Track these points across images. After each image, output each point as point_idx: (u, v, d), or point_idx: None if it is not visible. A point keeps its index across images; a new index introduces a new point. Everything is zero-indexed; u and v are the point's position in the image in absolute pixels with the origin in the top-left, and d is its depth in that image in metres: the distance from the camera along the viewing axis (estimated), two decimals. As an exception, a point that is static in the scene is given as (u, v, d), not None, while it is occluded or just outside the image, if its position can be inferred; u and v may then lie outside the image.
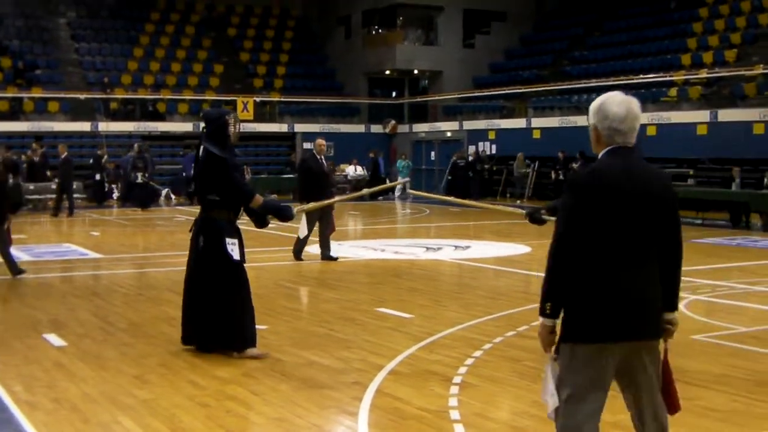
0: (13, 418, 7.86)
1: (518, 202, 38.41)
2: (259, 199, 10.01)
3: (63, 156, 32.08)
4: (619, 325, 4.90)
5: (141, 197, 35.16)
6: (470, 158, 41.54)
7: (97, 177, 37.27)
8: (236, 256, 9.84)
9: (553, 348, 5.08)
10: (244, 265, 10.03)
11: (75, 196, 33.24)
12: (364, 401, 8.24)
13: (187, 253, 10.17)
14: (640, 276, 4.96)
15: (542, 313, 5.03)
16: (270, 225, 10.50)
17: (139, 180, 35.12)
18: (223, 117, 9.99)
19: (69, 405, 8.20)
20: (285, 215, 10.21)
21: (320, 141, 19.55)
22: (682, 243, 5.20)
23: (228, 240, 9.82)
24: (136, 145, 37.45)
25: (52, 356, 10.23)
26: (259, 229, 10.80)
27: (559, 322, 5.04)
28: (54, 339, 11.09)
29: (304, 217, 17.85)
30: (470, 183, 40.31)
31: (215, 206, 9.89)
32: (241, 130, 10.31)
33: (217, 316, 9.93)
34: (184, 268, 10.33)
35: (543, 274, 5.01)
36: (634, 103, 5.09)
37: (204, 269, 9.97)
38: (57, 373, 9.43)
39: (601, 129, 5.07)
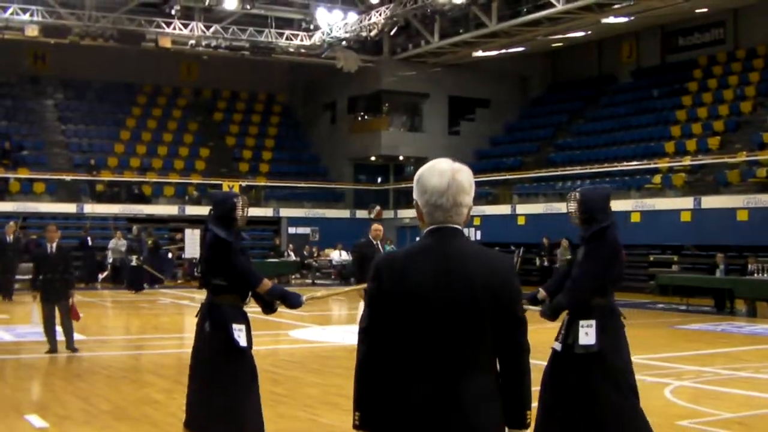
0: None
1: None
2: (267, 284, 9.51)
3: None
4: None
5: (134, 280, 35.08)
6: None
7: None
8: (243, 342, 9.27)
9: None
10: (251, 352, 9.71)
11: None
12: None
13: (192, 336, 9.78)
14: (458, 389, 4.05)
15: (353, 424, 4.35)
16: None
17: (134, 263, 35.07)
18: (231, 200, 9.65)
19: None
20: (293, 303, 9.78)
21: (376, 226, 18.90)
22: (523, 346, 4.24)
23: (234, 326, 9.26)
24: (135, 228, 37.54)
25: (33, 437, 10.15)
26: (266, 315, 10.48)
27: None
28: (36, 420, 10.99)
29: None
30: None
31: (221, 291, 9.37)
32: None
33: (216, 403, 9.25)
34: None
35: None
36: (461, 173, 4.25)
37: (209, 355, 9.40)
38: (38, 455, 9.35)
39: (422, 205, 4.24)
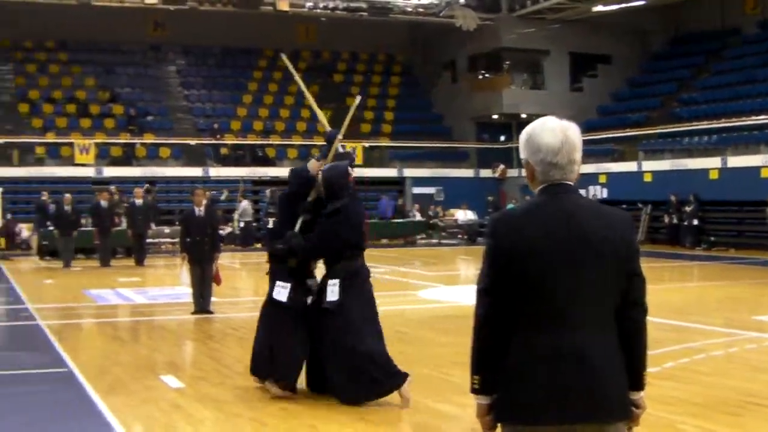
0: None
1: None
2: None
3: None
4: (548, 404, 3.98)
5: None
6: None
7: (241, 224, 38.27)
8: (281, 298, 10.24)
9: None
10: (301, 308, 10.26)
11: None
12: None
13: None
14: (583, 345, 4.01)
15: (471, 389, 4.20)
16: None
17: (270, 225, 35.39)
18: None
19: (188, 446, 8.19)
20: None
21: None
22: (643, 304, 4.25)
23: (279, 283, 10.29)
24: (268, 191, 37.91)
25: (169, 398, 10.26)
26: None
27: None
28: (171, 380, 11.14)
29: None
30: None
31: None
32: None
33: (257, 349, 10.46)
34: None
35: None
36: (571, 130, 4.21)
37: (261, 309, 10.67)
38: (175, 415, 9.44)
39: (534, 164, 4.20)
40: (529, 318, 4.05)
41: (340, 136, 10.93)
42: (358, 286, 10.01)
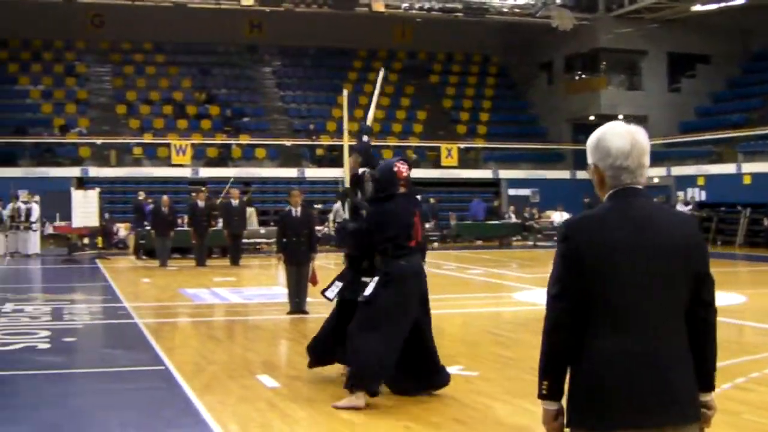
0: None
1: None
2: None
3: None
4: (623, 409, 3.95)
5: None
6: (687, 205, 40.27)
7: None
8: (329, 295, 10.73)
9: None
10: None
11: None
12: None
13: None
14: (655, 348, 3.99)
15: (539, 394, 4.23)
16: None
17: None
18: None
19: (284, 446, 8.17)
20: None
21: None
22: (713, 306, 4.21)
23: (336, 282, 10.66)
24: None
25: (265, 397, 10.25)
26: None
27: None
28: (267, 380, 11.14)
29: None
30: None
31: None
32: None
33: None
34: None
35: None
36: (639, 133, 4.21)
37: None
38: (271, 414, 9.44)
39: (604, 168, 4.20)
40: (602, 322, 4.04)
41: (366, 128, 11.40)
42: (394, 285, 9.92)
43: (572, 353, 4.10)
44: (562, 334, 4.13)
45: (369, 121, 11.42)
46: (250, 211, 34.00)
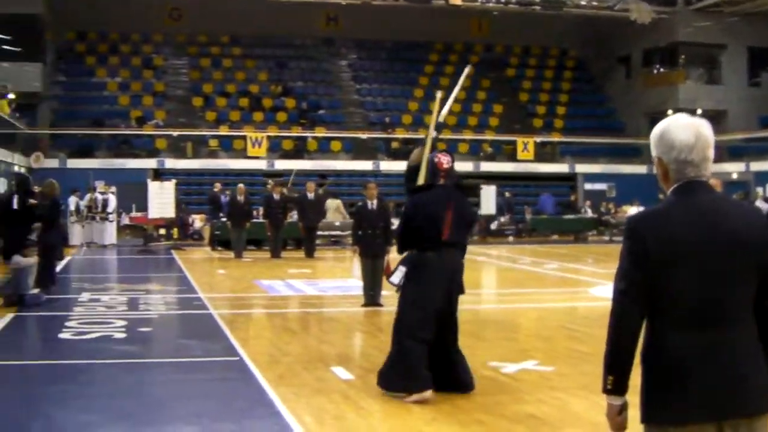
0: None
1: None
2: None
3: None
4: (698, 402, 3.95)
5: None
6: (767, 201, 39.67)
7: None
8: (394, 280, 10.26)
9: None
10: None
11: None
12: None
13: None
14: (726, 342, 3.99)
15: (604, 389, 4.21)
16: None
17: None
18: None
19: (358, 438, 8.14)
20: None
21: None
22: None
23: (400, 267, 10.24)
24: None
25: (340, 389, 10.22)
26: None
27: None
28: (341, 372, 11.11)
29: None
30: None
31: None
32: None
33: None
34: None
35: None
36: (704, 126, 4.19)
37: None
38: (345, 406, 9.41)
39: (668, 162, 4.16)
40: (672, 317, 4.04)
41: (432, 125, 11.02)
42: (417, 278, 9.92)
43: (635, 349, 4.13)
44: (627, 330, 4.13)
45: (442, 117, 11.29)
46: (337, 204, 34.04)
